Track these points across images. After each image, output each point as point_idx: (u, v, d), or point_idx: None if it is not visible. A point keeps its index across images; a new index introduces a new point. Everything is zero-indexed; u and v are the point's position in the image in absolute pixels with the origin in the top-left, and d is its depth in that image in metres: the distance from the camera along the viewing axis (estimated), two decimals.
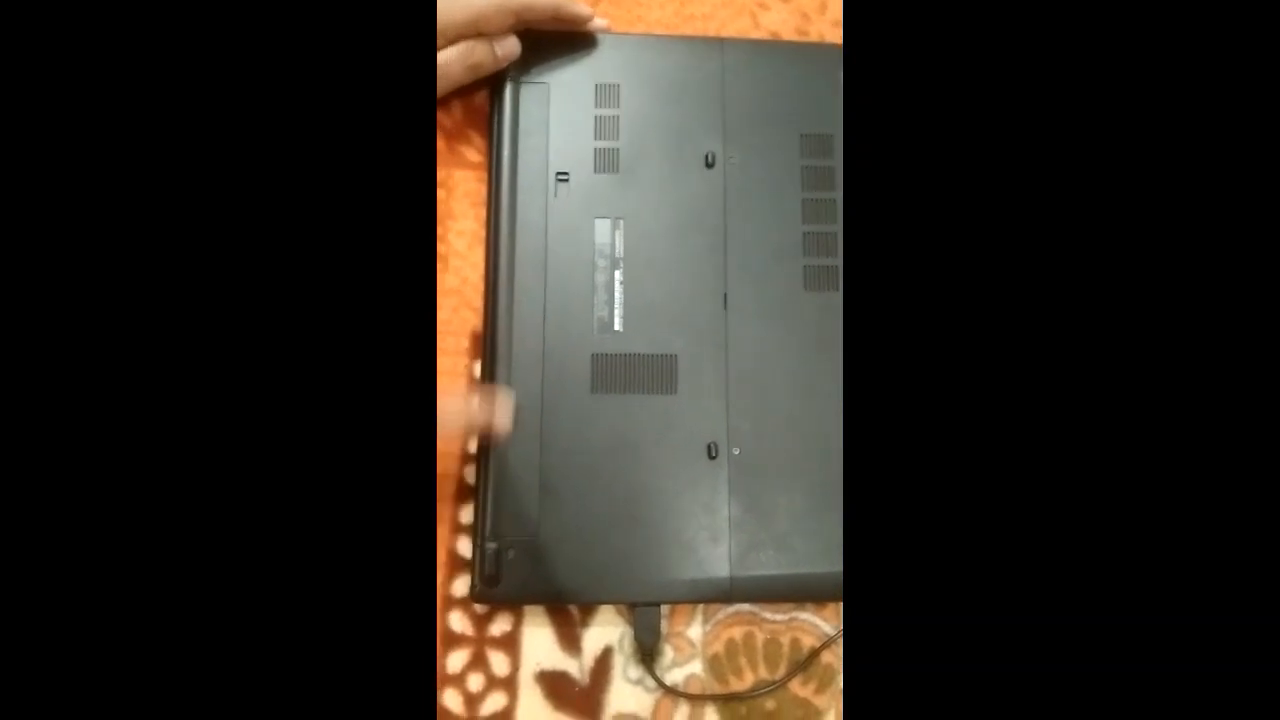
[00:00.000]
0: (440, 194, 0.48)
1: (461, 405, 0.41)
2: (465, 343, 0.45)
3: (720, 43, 0.48)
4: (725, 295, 0.44)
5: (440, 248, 0.47)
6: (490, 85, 0.49)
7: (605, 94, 0.47)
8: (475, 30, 0.44)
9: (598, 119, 0.46)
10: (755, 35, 0.51)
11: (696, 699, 0.41)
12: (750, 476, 0.41)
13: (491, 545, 0.40)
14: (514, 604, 0.41)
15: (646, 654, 0.41)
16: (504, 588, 0.40)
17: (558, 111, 0.46)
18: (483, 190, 0.48)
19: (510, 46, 0.46)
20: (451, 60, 0.44)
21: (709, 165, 0.45)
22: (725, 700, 0.41)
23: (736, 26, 0.51)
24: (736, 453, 0.41)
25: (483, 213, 0.47)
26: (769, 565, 0.40)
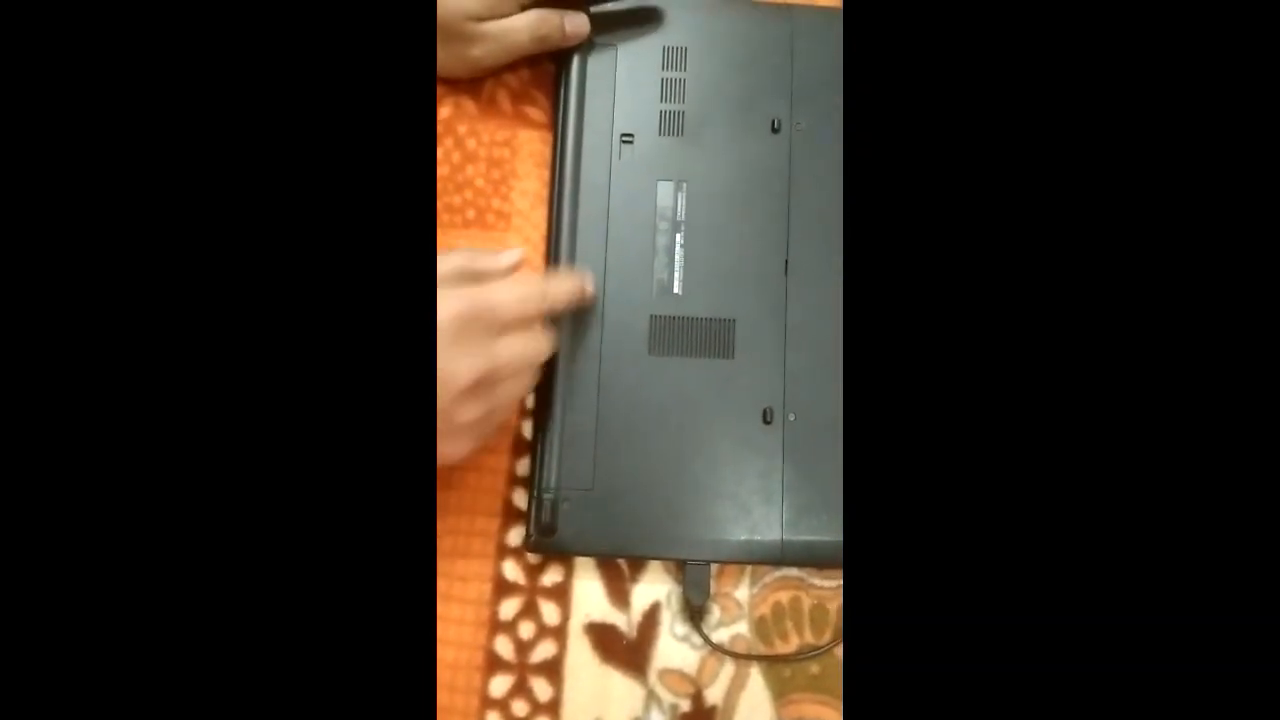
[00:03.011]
0: (505, 153, 0.47)
1: (539, 285, 0.39)
2: None
3: (790, 8, 0.46)
4: (786, 261, 0.42)
5: (503, 206, 0.46)
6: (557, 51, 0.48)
7: (673, 57, 0.45)
8: None
9: (664, 81, 0.45)
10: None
11: (742, 658, 0.40)
12: (805, 442, 0.40)
13: (548, 496, 0.40)
14: (567, 554, 0.41)
15: (695, 612, 0.40)
16: (558, 538, 0.39)
17: (625, 73, 0.45)
18: (546, 151, 0.47)
19: (579, 24, 0.45)
20: (520, 28, 0.44)
21: (774, 130, 0.44)
22: (771, 661, 0.40)
23: None
24: (792, 418, 0.40)
25: (546, 173, 0.46)
26: (821, 530, 0.39)
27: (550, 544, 0.40)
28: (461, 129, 0.47)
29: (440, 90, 0.48)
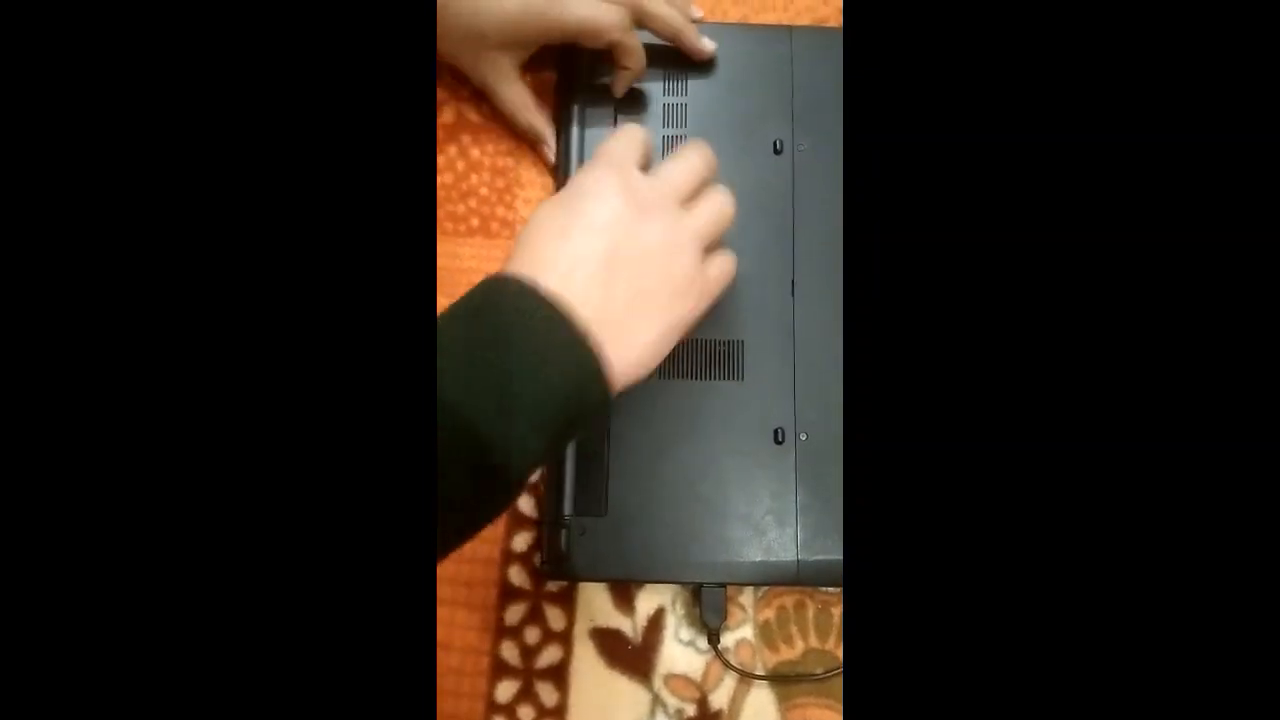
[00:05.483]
0: (509, 162, 0.45)
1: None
2: None
3: (789, 30, 0.45)
4: (793, 282, 0.42)
5: (508, 215, 0.45)
6: (557, 64, 0.46)
7: (673, 83, 0.44)
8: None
9: (666, 107, 0.44)
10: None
11: (757, 679, 0.40)
12: (818, 462, 0.40)
13: (561, 524, 0.39)
14: (582, 581, 0.40)
15: (713, 634, 0.39)
16: (573, 566, 0.38)
17: (625, 105, 0.44)
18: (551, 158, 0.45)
19: (640, 59, 0.42)
20: (599, 15, 0.40)
21: (777, 152, 0.43)
22: (781, 682, 0.40)
23: (814, 15, 0.49)
24: (804, 438, 0.40)
25: (550, 182, 0.45)
26: (837, 550, 0.39)
27: (564, 571, 0.39)
28: (465, 137, 0.45)
29: (443, 97, 0.45)
